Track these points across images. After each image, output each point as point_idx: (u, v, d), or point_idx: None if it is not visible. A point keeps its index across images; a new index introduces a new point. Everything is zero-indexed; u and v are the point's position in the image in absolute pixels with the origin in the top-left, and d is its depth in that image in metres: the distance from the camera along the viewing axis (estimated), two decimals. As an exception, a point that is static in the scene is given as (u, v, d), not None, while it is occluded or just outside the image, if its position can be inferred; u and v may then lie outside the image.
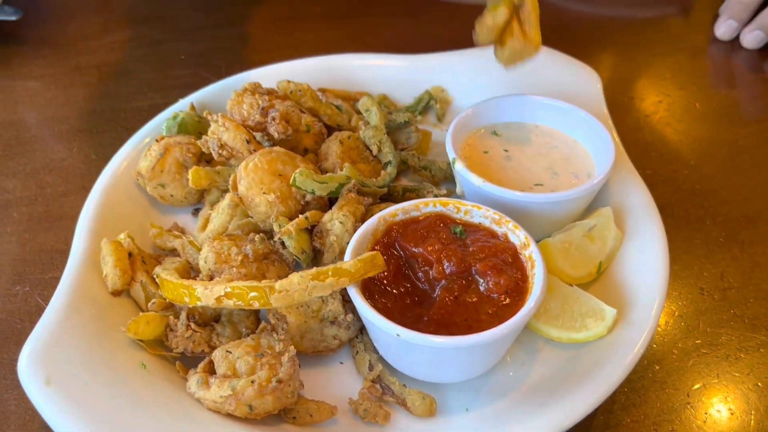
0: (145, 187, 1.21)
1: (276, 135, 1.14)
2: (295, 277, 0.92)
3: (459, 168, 1.13)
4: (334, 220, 1.04)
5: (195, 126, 1.27)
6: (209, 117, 1.16)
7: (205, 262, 1.01)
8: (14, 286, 1.18)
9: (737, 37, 1.80)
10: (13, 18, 1.70)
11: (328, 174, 1.07)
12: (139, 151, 1.26)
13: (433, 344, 0.88)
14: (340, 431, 0.95)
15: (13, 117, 1.54)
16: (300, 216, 1.05)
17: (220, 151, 1.11)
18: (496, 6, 1.07)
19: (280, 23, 1.89)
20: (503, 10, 1.06)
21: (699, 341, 1.09)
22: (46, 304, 1.11)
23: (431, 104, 1.42)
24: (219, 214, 1.06)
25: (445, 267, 0.99)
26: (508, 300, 0.96)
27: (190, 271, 1.10)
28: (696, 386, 1.03)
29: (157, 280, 1.04)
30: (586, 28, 1.90)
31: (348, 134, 1.20)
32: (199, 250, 1.11)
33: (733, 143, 1.50)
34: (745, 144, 1.49)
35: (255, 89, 1.20)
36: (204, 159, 1.23)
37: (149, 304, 1.01)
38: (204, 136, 1.16)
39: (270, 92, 1.22)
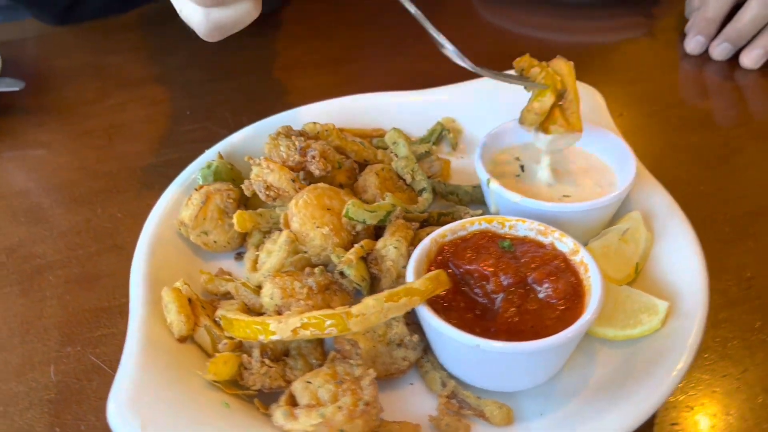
0: (188, 236, 1.23)
1: (318, 172, 1.18)
2: (370, 301, 0.95)
3: (494, 187, 1.19)
4: (389, 246, 1.08)
5: (228, 173, 1.30)
6: (251, 161, 1.19)
7: (271, 298, 1.04)
8: (64, 348, 1.17)
9: (706, 52, 1.94)
10: (16, 89, 1.71)
11: (375, 203, 1.11)
12: (175, 202, 1.28)
13: (514, 350, 0.92)
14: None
15: (28, 185, 1.55)
16: (355, 245, 1.08)
17: (267, 192, 1.15)
18: (543, 92, 1.14)
19: (275, 73, 1.95)
20: (550, 96, 1.13)
21: (732, 328, 1.15)
22: (102, 362, 1.13)
23: (444, 134, 1.49)
24: (277, 252, 1.09)
25: (502, 280, 1.04)
26: (567, 305, 1.01)
27: (248, 312, 1.12)
28: (743, 370, 1.09)
29: (221, 322, 1.05)
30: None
31: (381, 166, 1.25)
32: (254, 290, 1.14)
33: (724, 146, 1.60)
34: (736, 145, 1.60)
35: (288, 132, 1.25)
36: (242, 203, 1.26)
37: (221, 345, 1.03)
38: (246, 180, 1.19)
39: (301, 134, 1.26)
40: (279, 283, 1.05)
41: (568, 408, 1.00)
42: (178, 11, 1.12)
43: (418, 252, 1.07)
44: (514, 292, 1.03)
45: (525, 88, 1.17)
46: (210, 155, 1.38)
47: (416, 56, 2.01)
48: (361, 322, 0.94)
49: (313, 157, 1.18)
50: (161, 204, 1.27)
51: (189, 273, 1.21)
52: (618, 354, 1.06)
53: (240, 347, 1.04)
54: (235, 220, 1.18)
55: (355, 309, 0.94)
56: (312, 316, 0.95)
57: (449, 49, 1.10)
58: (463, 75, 1.55)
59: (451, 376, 1.04)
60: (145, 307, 1.07)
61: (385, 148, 1.38)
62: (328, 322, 0.94)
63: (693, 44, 1.94)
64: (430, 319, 0.97)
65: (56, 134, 1.70)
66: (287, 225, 1.12)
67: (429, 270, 1.06)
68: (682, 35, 2.00)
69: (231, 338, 1.04)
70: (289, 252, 1.09)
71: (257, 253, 1.19)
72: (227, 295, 1.17)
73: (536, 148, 1.32)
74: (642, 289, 1.13)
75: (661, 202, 1.23)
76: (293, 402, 0.97)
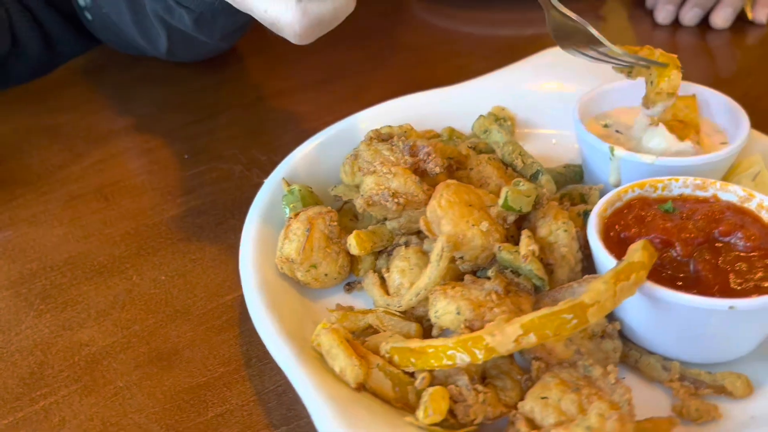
0: (295, 275, 1.04)
1: (437, 170, 1.03)
2: (599, 286, 0.81)
3: (623, 154, 1.10)
4: (557, 231, 0.96)
5: (312, 197, 1.12)
6: (361, 170, 1.02)
7: (458, 313, 0.87)
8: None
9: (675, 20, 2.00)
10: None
11: (526, 188, 0.98)
12: (262, 245, 1.07)
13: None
14: (681, 444, 0.84)
15: (30, 267, 1.25)
16: (524, 237, 0.94)
17: (396, 200, 0.98)
18: (666, 71, 1.08)
19: (263, 103, 1.76)
20: (676, 73, 1.08)
21: None
22: None
23: (500, 123, 1.38)
24: (435, 262, 0.92)
25: (687, 243, 0.94)
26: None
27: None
28: None
29: (393, 357, 0.87)
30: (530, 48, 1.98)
31: (488, 156, 1.13)
32: (402, 317, 0.96)
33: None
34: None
35: (380, 136, 1.09)
36: (340, 225, 1.09)
37: (418, 381, 0.84)
38: (359, 195, 1.02)
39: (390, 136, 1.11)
40: (458, 296, 0.88)
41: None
42: (260, 14, 0.94)
43: (591, 231, 0.95)
44: (704, 252, 0.94)
45: (645, 67, 1.10)
46: (271, 186, 1.18)
47: (402, 65, 1.92)
48: (599, 312, 0.80)
49: (428, 155, 1.03)
50: (247, 251, 1.06)
51: (303, 318, 1.02)
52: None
53: (433, 379, 0.86)
54: (352, 243, 1.01)
55: (587, 298, 0.80)
56: (537, 318, 0.80)
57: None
58: (457, 76, 1.49)
59: (665, 358, 0.92)
60: (301, 365, 0.86)
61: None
62: (566, 317, 0.79)
63: (663, 14, 1.98)
64: (662, 293, 0.84)
65: (38, 207, 1.41)
66: (431, 232, 0.96)
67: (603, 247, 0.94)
68: (642, 11, 2.06)
69: (407, 374, 0.87)
70: (449, 259, 0.93)
71: (382, 276, 1.02)
72: (366, 331, 0.98)
73: (625, 112, 1.25)
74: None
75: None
76: (533, 426, 0.81)
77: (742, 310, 0.82)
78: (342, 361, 0.85)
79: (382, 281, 1.03)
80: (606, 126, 1.24)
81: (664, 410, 0.87)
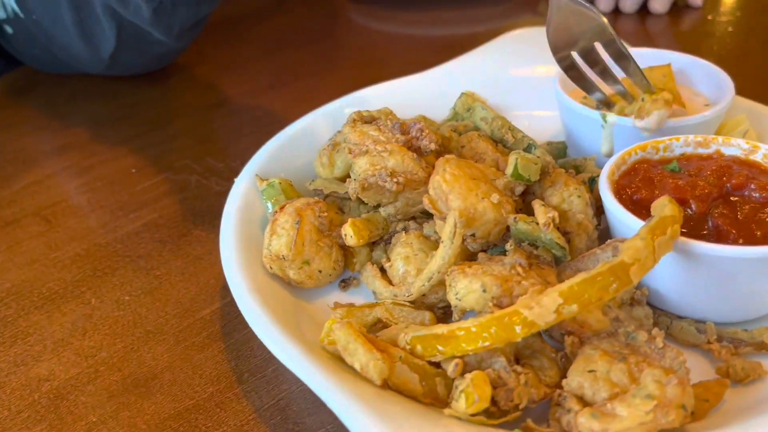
0: (286, 274, 0.93)
1: (433, 146, 0.95)
2: (637, 243, 0.75)
3: (616, 119, 1.05)
4: (571, 198, 0.89)
5: (293, 189, 1.02)
6: (348, 151, 0.93)
7: (484, 291, 0.79)
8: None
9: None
10: None
11: (530, 157, 0.92)
12: (243, 246, 0.96)
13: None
14: (732, 406, 0.78)
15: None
16: (537, 207, 0.88)
17: (395, 180, 0.89)
18: (657, 93, 1.05)
19: (208, 112, 1.65)
20: (667, 94, 1.04)
21: None
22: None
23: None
24: (447, 241, 0.84)
25: (702, 199, 0.90)
26: (781, 200, 0.90)
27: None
28: None
29: (415, 347, 0.78)
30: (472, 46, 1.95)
31: (477, 133, 1.06)
32: (413, 306, 0.88)
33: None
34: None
35: (361, 117, 1.01)
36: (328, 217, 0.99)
37: (451, 370, 0.75)
38: (352, 180, 0.92)
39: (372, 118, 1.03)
40: (480, 272, 0.80)
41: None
42: None
43: (605, 193, 0.89)
44: (719, 206, 0.90)
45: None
46: (243, 185, 1.07)
47: (351, 66, 1.86)
48: (640, 270, 0.74)
49: (421, 131, 0.95)
50: (230, 255, 0.94)
51: (301, 320, 0.91)
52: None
53: (465, 366, 0.77)
54: (348, 233, 0.91)
55: (626, 257, 0.74)
56: (577, 283, 0.73)
57: None
58: (410, 73, 1.43)
59: (697, 321, 0.87)
60: (319, 366, 0.76)
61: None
62: (608, 280, 0.72)
63: (604, 3, 2.00)
64: (701, 247, 0.79)
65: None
66: (437, 210, 0.88)
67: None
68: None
69: (431, 364, 0.78)
70: (462, 236, 0.85)
71: (387, 265, 0.93)
72: (376, 326, 0.88)
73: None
74: None
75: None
76: (584, 403, 0.73)
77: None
78: (363, 356, 0.75)
79: (383, 273, 0.94)
80: (585, 98, 1.20)
81: (708, 374, 0.82)
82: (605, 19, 1.02)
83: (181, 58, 1.81)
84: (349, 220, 0.92)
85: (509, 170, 0.89)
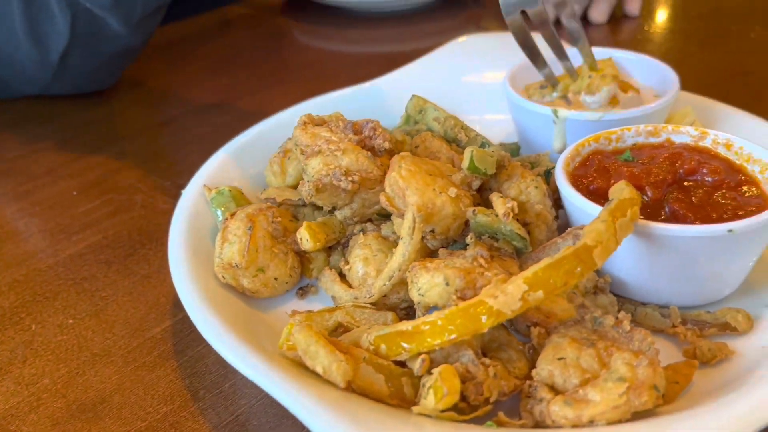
0: (240, 283, 0.89)
1: (387, 145, 0.93)
2: (598, 226, 0.74)
3: (567, 114, 1.06)
4: (528, 190, 0.88)
5: (243, 197, 0.98)
6: (299, 154, 0.90)
7: (447, 285, 0.76)
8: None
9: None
10: None
11: (485, 150, 0.90)
12: (194, 258, 0.92)
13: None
14: (701, 387, 0.77)
15: None
16: (495, 198, 0.86)
17: (350, 179, 0.86)
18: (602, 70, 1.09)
19: (154, 131, 1.60)
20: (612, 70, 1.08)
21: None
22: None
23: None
24: (406, 238, 0.81)
25: (657, 185, 0.90)
26: (733, 184, 0.91)
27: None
28: None
29: (379, 347, 0.75)
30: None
31: (429, 133, 1.04)
32: (374, 309, 0.85)
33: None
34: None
35: (311, 120, 0.98)
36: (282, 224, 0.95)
37: (417, 367, 0.72)
38: (306, 180, 0.89)
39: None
40: (442, 266, 0.78)
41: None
42: None
43: (561, 182, 0.89)
44: (674, 191, 0.90)
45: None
46: (191, 196, 1.03)
47: (297, 81, 1.84)
48: (603, 252, 0.73)
49: (374, 130, 0.93)
50: (180, 267, 0.90)
51: (259, 331, 0.87)
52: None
53: (432, 363, 0.74)
54: (304, 237, 0.88)
55: (588, 240, 0.73)
56: (540, 269, 0.71)
57: None
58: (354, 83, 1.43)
59: (660, 306, 0.86)
60: (279, 373, 0.72)
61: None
62: (571, 266, 0.71)
63: (597, 13, 2.03)
64: (661, 229, 0.79)
65: None
66: (395, 207, 0.85)
67: (576, 201, 0.88)
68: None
69: (397, 363, 0.75)
70: (421, 230, 0.82)
71: (348, 269, 0.90)
72: (337, 330, 0.85)
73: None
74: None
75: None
76: (555, 391, 0.71)
77: (741, 232, 0.78)
78: (325, 358, 0.72)
79: (342, 277, 0.91)
80: (531, 96, 1.20)
81: (675, 358, 0.81)
82: None
83: (125, 77, 1.76)
84: (305, 223, 0.89)
85: (465, 164, 0.88)
